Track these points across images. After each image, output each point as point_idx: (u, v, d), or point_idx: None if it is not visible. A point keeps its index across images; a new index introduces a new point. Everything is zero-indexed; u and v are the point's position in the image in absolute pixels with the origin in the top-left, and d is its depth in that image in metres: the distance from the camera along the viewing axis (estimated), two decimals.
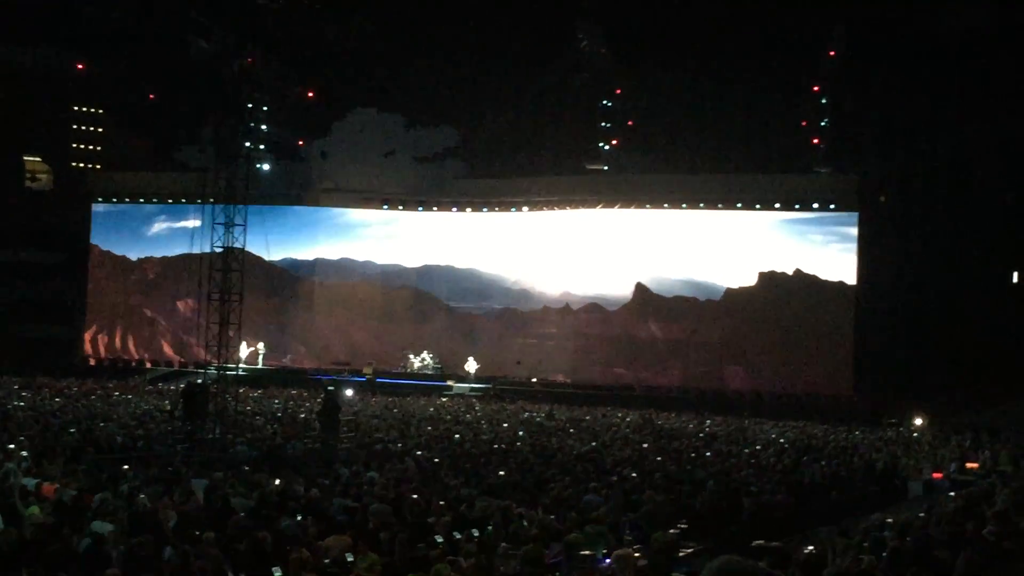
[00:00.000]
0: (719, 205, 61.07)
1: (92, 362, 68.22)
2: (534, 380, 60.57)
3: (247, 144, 40.06)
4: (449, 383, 59.44)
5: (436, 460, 27.40)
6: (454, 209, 66.75)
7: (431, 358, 62.82)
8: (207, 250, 36.63)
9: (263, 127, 63.47)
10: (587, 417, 45.95)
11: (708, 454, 31.75)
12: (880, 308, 56.38)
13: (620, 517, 18.85)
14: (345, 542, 15.31)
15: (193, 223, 38.21)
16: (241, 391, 40.33)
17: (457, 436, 34.74)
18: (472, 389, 58.45)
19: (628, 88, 63.87)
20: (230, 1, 44.11)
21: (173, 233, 66.17)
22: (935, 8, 54.48)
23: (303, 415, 40.71)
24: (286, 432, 34.80)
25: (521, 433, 37.36)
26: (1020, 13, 51.79)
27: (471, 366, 60.82)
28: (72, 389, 50.02)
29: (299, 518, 17.37)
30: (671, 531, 16.98)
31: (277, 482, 22.35)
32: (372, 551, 14.99)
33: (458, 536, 16.25)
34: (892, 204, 58.76)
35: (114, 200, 71.48)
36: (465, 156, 67.21)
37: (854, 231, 58.65)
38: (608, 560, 13.74)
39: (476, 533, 16.23)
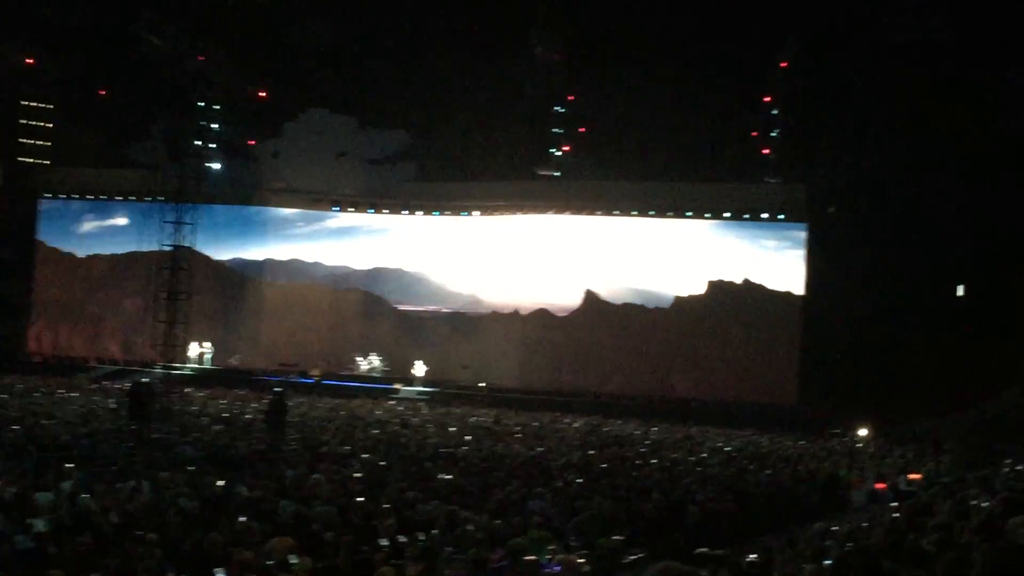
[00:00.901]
0: (669, 213, 61.35)
1: (37, 359, 67.60)
2: (482, 385, 60.53)
3: (198, 142, 39.94)
4: (397, 387, 59.30)
5: (382, 463, 27.34)
6: (405, 212, 66.68)
7: (379, 361, 62.72)
8: (155, 248, 36.47)
9: (214, 126, 63.21)
10: (534, 423, 45.96)
11: (654, 461, 31.83)
12: (826, 318, 56.72)
13: (565, 523, 18.89)
14: (289, 544, 15.26)
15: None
16: (187, 391, 40.13)
17: (404, 439, 34.70)
18: (420, 393, 58.36)
19: (581, 94, 63.96)
20: None
21: (121, 230, 65.72)
22: (886, 20, 54.86)
23: (249, 416, 40.52)
24: (232, 433, 34.65)
25: (468, 438, 37.35)
26: (969, 24, 52.30)
27: (419, 370, 60.72)
28: (15, 386, 49.57)
29: (243, 519, 17.29)
30: (616, 537, 17.04)
31: (222, 483, 22.24)
32: (316, 554, 14.95)
33: (403, 540, 16.23)
34: (840, 215, 59.12)
35: (62, 196, 70.98)
36: (417, 159, 67.10)
37: (802, 241, 59.05)
38: (555, 566, 13.77)
39: (422, 537, 16.21)
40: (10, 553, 14.60)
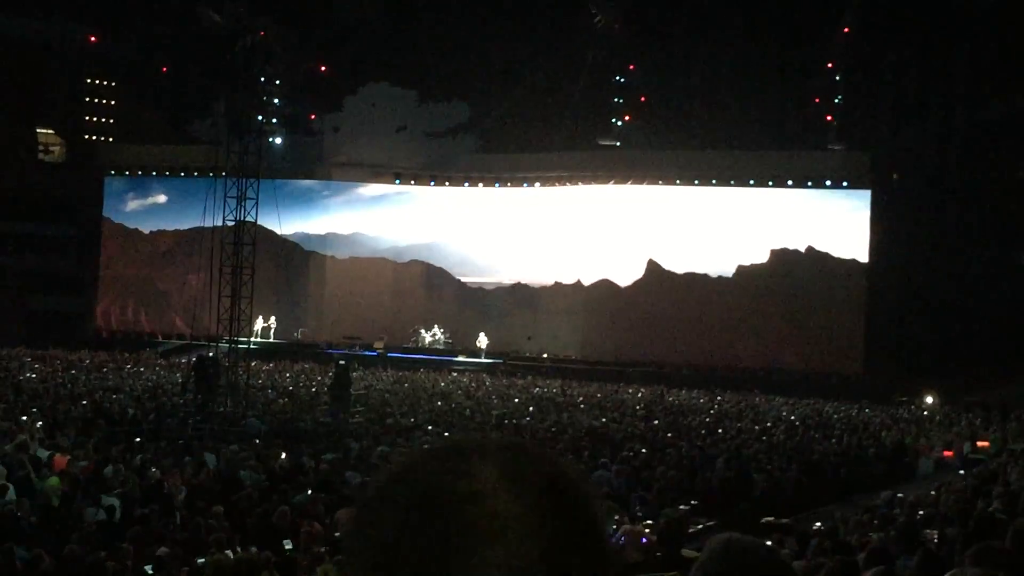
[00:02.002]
0: (731, 182, 60.94)
1: (104, 335, 68.26)
2: (545, 356, 60.55)
3: (259, 118, 40.09)
4: (460, 358, 59.47)
5: (447, 435, 27.44)
6: (466, 184, 66.69)
7: (442, 333, 62.85)
8: (219, 224, 36.67)
9: (275, 101, 63.51)
10: (597, 393, 45.98)
11: (719, 431, 31.78)
12: (892, 286, 56.27)
13: (630, 493, 18.89)
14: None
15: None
16: (252, 365, 40.41)
17: (468, 411, 34.82)
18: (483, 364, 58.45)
19: (641, 64, 63.65)
20: None
21: (185, 206, 66.10)
22: None
23: (314, 389, 40.79)
24: (297, 406, 34.92)
25: (532, 409, 37.43)
26: None
27: (482, 341, 60.76)
28: (84, 362, 50.18)
29: (310, 492, 17.41)
30: (681, 507, 17.02)
31: (287, 456, 22.42)
32: None
33: None
34: (905, 182, 58.57)
35: (127, 173, 71.54)
36: (477, 131, 67.05)
37: (867, 208, 58.51)
38: (620, 536, 13.76)
39: None
40: (82, 526, 14.79)
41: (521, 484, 1.34)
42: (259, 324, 59.65)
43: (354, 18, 63.34)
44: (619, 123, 64.70)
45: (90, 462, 19.28)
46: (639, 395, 46.37)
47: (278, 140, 65.32)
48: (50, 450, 20.71)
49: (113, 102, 73.66)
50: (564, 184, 64.08)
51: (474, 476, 1.34)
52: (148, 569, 12.50)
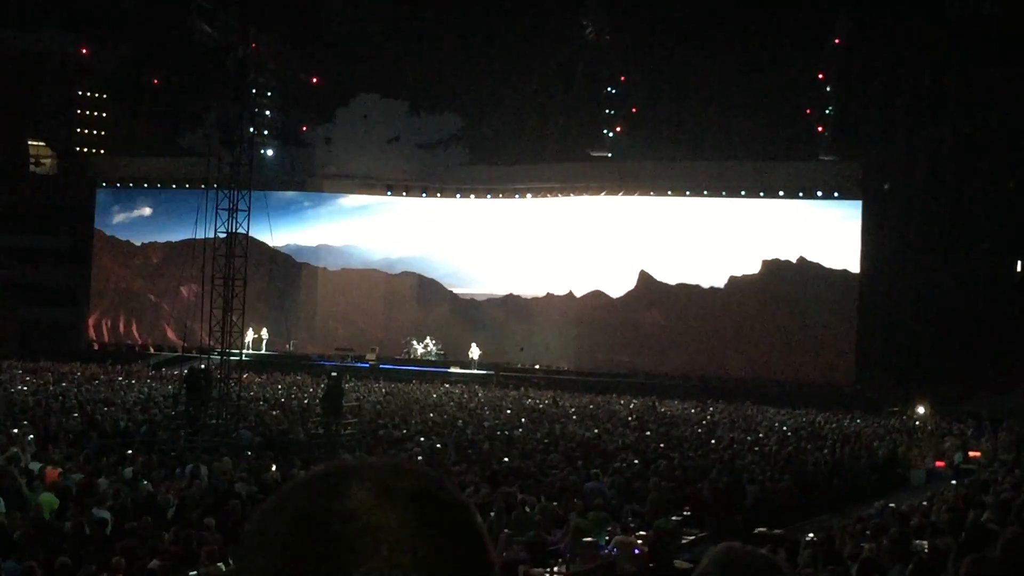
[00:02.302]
0: (723, 192, 61.06)
1: (96, 347, 68.23)
2: (537, 367, 60.57)
3: (251, 130, 40.02)
4: (453, 369, 59.46)
5: (439, 446, 27.45)
6: (457, 196, 66.78)
7: (434, 344, 62.83)
8: (211, 235, 36.64)
9: (267, 113, 63.54)
10: (590, 405, 45.99)
11: (712, 442, 31.79)
12: (883, 296, 56.34)
13: (622, 504, 18.90)
14: None
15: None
16: (244, 377, 40.37)
17: (460, 422, 34.81)
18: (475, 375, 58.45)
19: (632, 75, 63.75)
20: None
21: (176, 218, 66.01)
22: None
23: (306, 401, 40.76)
24: (289, 418, 34.90)
25: (524, 420, 37.43)
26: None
27: (474, 352, 60.78)
28: (75, 374, 50.13)
29: None
30: (673, 518, 17.03)
31: (277, 468, 22.40)
32: None
33: None
34: (896, 192, 58.69)
35: (118, 185, 71.53)
36: (469, 143, 67.10)
37: (858, 219, 58.63)
38: (612, 547, 13.78)
39: None
40: (74, 539, 14.77)
41: (393, 498, 1.36)
42: (250, 336, 59.62)
43: (346, 30, 63.35)
44: (610, 134, 64.81)
45: (82, 475, 19.26)
46: (631, 406, 46.38)
47: (270, 152, 65.37)
48: (41, 463, 20.68)
49: (104, 114, 73.70)
50: (556, 195, 64.16)
51: (348, 495, 1.36)
52: None
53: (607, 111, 64.81)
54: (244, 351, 47.09)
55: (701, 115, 60.53)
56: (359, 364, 58.71)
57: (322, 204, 69.00)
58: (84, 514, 16.04)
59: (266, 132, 63.73)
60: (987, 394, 47.69)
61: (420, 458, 25.01)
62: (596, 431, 34.01)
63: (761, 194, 60.29)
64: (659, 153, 62.00)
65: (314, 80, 68.28)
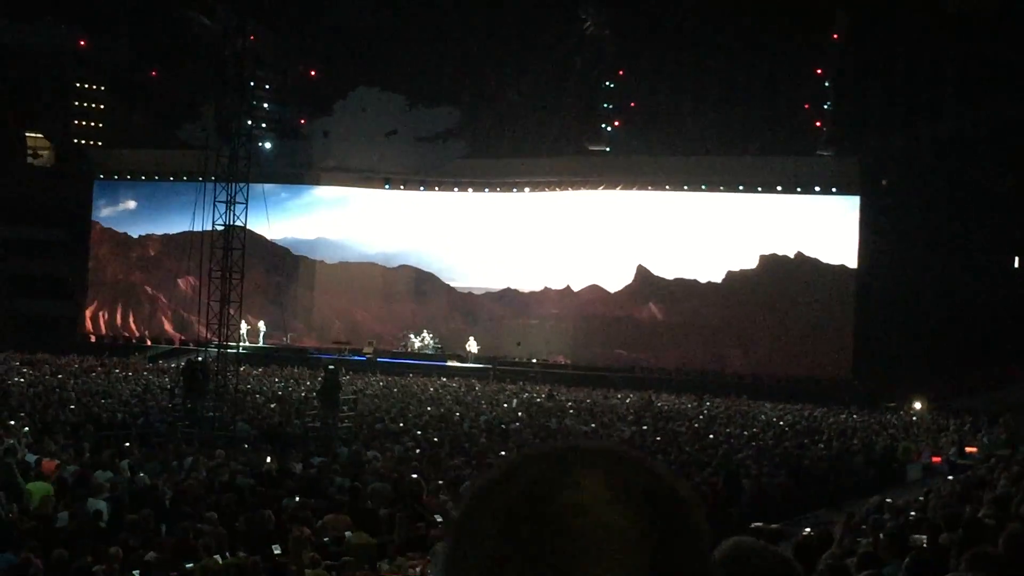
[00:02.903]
0: (721, 187, 61.02)
1: (93, 339, 68.18)
2: (534, 361, 60.56)
3: (249, 122, 39.99)
4: (451, 362, 59.48)
5: (436, 440, 27.45)
6: (455, 189, 66.76)
7: (431, 338, 62.79)
8: (208, 228, 36.63)
9: (265, 105, 63.44)
10: (587, 399, 46.00)
11: (709, 436, 31.80)
12: (881, 291, 56.32)
13: None
14: (344, 521, 15.35)
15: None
16: (241, 369, 40.37)
17: (457, 416, 34.81)
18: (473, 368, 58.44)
19: (631, 69, 63.70)
20: None
21: (174, 210, 65.96)
22: None
23: (303, 394, 40.75)
24: (286, 411, 34.90)
25: (521, 414, 37.43)
26: None
27: (471, 346, 60.78)
28: (73, 366, 50.13)
29: (297, 500, 17.40)
30: None
31: (274, 461, 22.40)
32: (371, 529, 15.02)
33: None
34: (894, 187, 58.69)
35: (115, 177, 71.44)
36: (467, 136, 67.00)
37: (856, 214, 58.62)
38: None
39: None
40: (69, 530, 14.77)
41: (625, 494, 1.32)
42: (243, 327, 59.63)
43: (344, 23, 63.31)
44: (608, 128, 64.75)
45: (78, 466, 19.25)
46: (628, 400, 46.40)
47: (268, 145, 65.28)
48: (38, 455, 20.68)
49: (102, 106, 73.64)
50: (554, 189, 64.13)
51: (579, 486, 1.32)
52: (136, 574, 12.47)
53: (605, 105, 64.75)
54: (241, 344, 47.17)
55: (699, 110, 60.51)
56: (356, 357, 58.71)
57: (320, 197, 68.93)
58: (79, 505, 16.05)
59: (264, 125, 63.65)
60: (984, 389, 47.71)
61: (418, 451, 25.04)
62: (593, 425, 34.02)
63: (759, 189, 60.28)
64: (657, 147, 61.94)
65: (312, 73, 68.24)
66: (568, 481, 1.33)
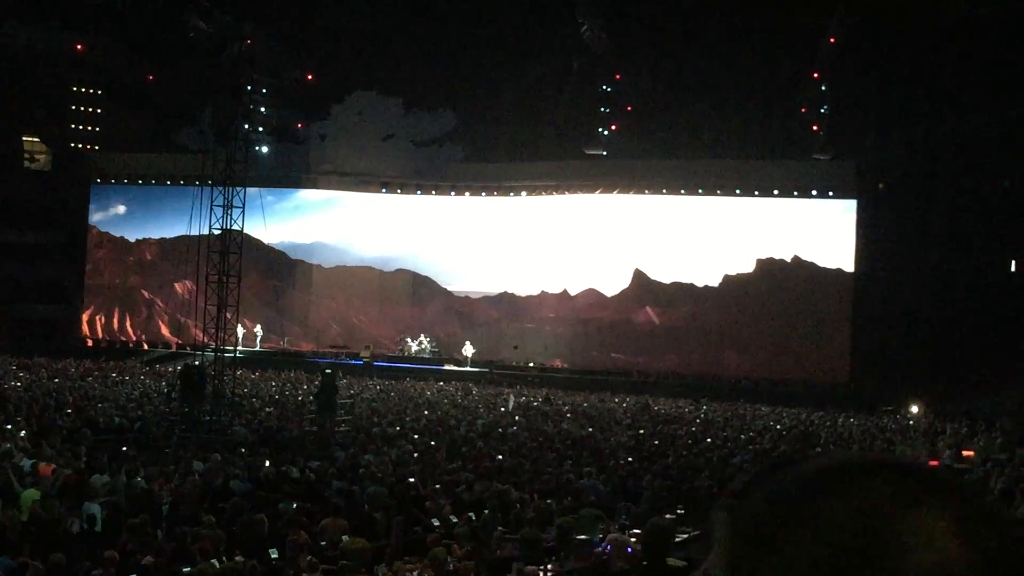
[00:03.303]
0: (718, 191, 61.12)
1: (90, 343, 68.19)
2: (531, 365, 60.58)
3: (246, 126, 40.06)
4: (447, 366, 59.52)
5: (433, 444, 27.43)
6: (452, 193, 66.81)
7: (428, 342, 62.80)
8: (205, 232, 36.62)
9: (262, 109, 63.43)
10: (584, 403, 45.99)
11: (706, 440, 31.79)
12: (877, 295, 56.39)
13: (616, 502, 18.89)
14: (342, 525, 15.34)
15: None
16: (239, 373, 40.36)
17: (454, 420, 34.79)
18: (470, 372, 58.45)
19: (627, 74, 63.72)
20: None
21: (171, 215, 65.96)
22: None
23: (300, 398, 40.73)
24: (283, 415, 34.88)
25: (518, 418, 37.41)
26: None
27: (468, 350, 60.79)
28: (70, 370, 50.10)
29: (294, 505, 17.38)
30: (667, 516, 17.02)
31: (271, 465, 22.38)
32: (368, 534, 15.02)
33: (455, 520, 16.28)
34: (891, 191, 58.73)
35: (112, 181, 71.46)
36: (464, 140, 67.06)
37: (853, 218, 58.70)
38: (606, 545, 13.78)
39: (473, 517, 16.25)
40: (66, 535, 14.76)
41: (971, 530, 1.19)
42: (240, 331, 59.61)
43: (341, 27, 63.31)
44: (605, 132, 64.72)
45: (74, 471, 19.23)
46: (625, 404, 46.40)
47: (265, 149, 65.28)
48: (34, 459, 20.65)
49: (99, 110, 73.61)
50: (551, 193, 64.21)
51: (925, 511, 1.20)
52: None
53: (602, 109, 64.75)
54: (238, 348, 47.20)
55: (696, 114, 60.55)
56: (353, 361, 58.72)
57: (316, 201, 68.95)
58: (75, 510, 16.04)
59: (261, 129, 63.67)
60: (981, 393, 47.70)
61: (415, 455, 25.03)
62: (591, 429, 34.02)
63: (756, 193, 60.37)
64: (654, 151, 61.98)
65: (309, 77, 68.22)
66: (912, 502, 1.21)
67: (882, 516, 1.19)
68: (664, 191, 62.14)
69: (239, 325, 42.20)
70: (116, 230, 71.52)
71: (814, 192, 59.60)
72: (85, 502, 16.43)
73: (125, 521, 15.10)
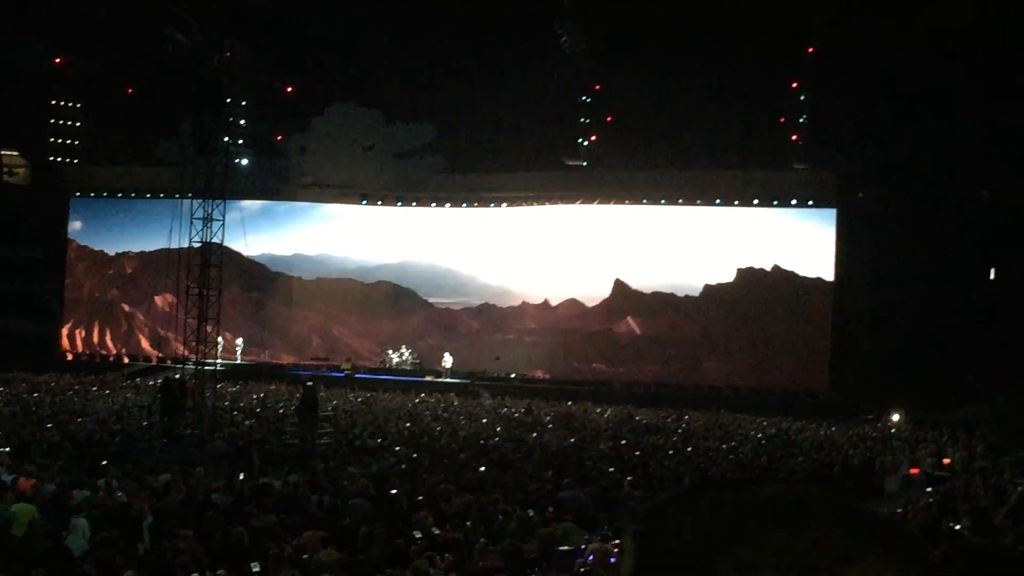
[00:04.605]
0: (697, 201, 61.24)
1: (70, 357, 67.97)
2: (512, 376, 60.58)
3: (225, 139, 40.02)
4: (429, 378, 59.46)
5: (415, 455, 27.43)
6: (433, 205, 66.77)
7: (409, 354, 62.75)
8: (185, 245, 36.59)
9: (241, 122, 63.40)
10: (566, 414, 45.98)
11: (687, 449, 31.85)
12: (858, 304, 56.56)
13: (598, 512, 18.91)
14: (322, 537, 15.32)
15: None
16: (219, 386, 40.29)
17: (436, 432, 34.79)
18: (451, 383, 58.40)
19: (607, 84, 63.80)
20: None
21: (150, 228, 65.83)
22: (914, 3, 54.59)
23: (281, 410, 40.67)
24: (264, 428, 34.82)
25: (499, 429, 37.42)
26: (997, 7, 51.97)
27: (447, 361, 60.68)
28: (50, 384, 49.94)
29: (273, 517, 17.35)
30: None
31: (252, 478, 22.34)
32: (350, 546, 14.99)
33: (437, 532, 16.27)
34: (870, 200, 58.85)
35: (92, 195, 71.29)
36: (444, 152, 66.99)
37: (832, 227, 58.87)
38: (588, 555, 13.78)
39: (455, 529, 16.25)
40: (46, 551, 14.70)
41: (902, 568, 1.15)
42: (220, 345, 59.49)
43: (321, 39, 63.26)
44: (585, 143, 64.80)
45: (56, 485, 19.18)
46: (606, 415, 46.43)
47: (244, 161, 65.16)
48: (14, 474, 20.59)
49: (78, 124, 73.40)
50: (531, 204, 64.24)
51: (854, 559, 1.14)
52: None
53: (582, 120, 64.85)
54: (219, 361, 47.13)
55: (676, 124, 60.59)
56: (334, 373, 58.65)
57: (297, 213, 68.86)
58: (68, 524, 16.00)
59: (240, 141, 63.59)
60: (962, 401, 47.85)
61: (403, 466, 25.02)
62: (572, 440, 34.04)
63: (736, 202, 60.51)
64: (634, 162, 62.01)
65: (288, 89, 68.15)
66: (843, 551, 1.14)
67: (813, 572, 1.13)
68: (644, 201, 62.24)
69: (226, 338, 42.17)
70: (96, 243, 71.32)
71: (794, 201, 59.78)
72: (72, 517, 16.39)
73: (105, 536, 15.06)
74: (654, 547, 1.20)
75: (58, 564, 13.36)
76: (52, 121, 73.23)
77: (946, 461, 32.17)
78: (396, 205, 67.26)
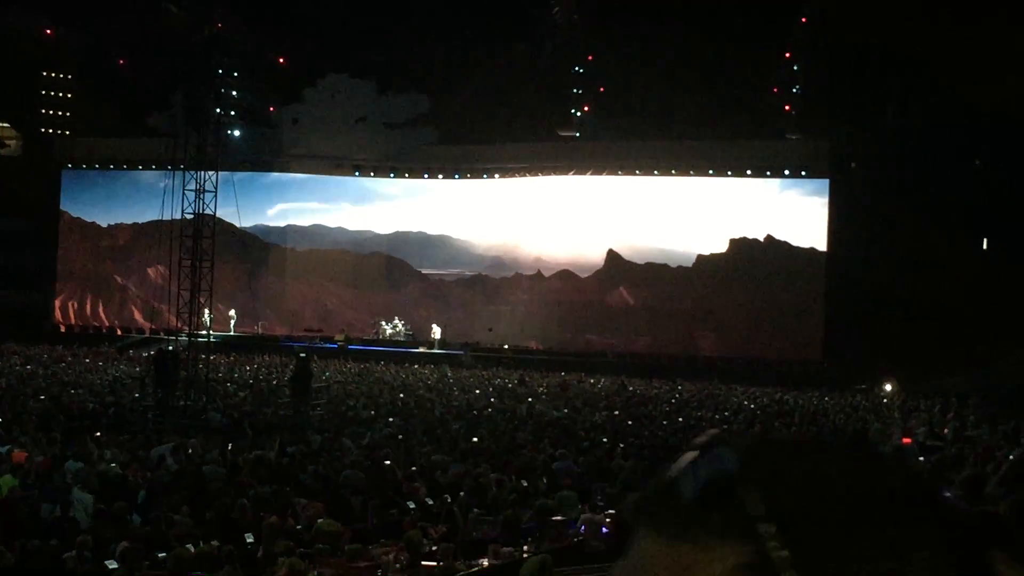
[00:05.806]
0: (690, 171, 61.15)
1: (63, 329, 67.89)
2: (506, 347, 60.57)
3: (218, 110, 39.94)
4: (422, 348, 59.44)
5: (409, 427, 27.44)
6: (425, 176, 66.65)
7: (403, 325, 62.71)
8: (178, 216, 36.53)
9: (234, 93, 63.21)
10: (559, 384, 46.02)
11: (680, 420, 31.87)
12: (850, 274, 56.51)
13: (591, 483, 18.94)
14: (317, 508, 15.34)
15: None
16: (212, 358, 40.29)
17: (429, 403, 34.80)
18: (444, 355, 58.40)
19: (599, 54, 63.66)
20: None
21: (143, 199, 65.64)
22: None
23: (275, 382, 40.68)
24: (258, 399, 34.83)
25: (493, 400, 37.44)
26: None
27: (436, 332, 60.60)
28: (43, 356, 49.94)
29: (270, 487, 17.37)
30: None
31: (246, 449, 22.35)
32: (344, 517, 15.01)
33: (430, 502, 16.30)
34: (863, 170, 58.80)
35: (84, 166, 71.10)
36: (437, 123, 66.80)
37: (825, 197, 58.84)
38: (581, 526, 13.83)
39: (448, 499, 16.27)
40: (40, 522, 14.74)
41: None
42: (207, 316, 59.43)
43: (313, 9, 63.04)
44: (578, 114, 64.72)
45: (47, 457, 19.20)
46: (600, 385, 46.46)
47: (237, 132, 65.00)
48: (8, 446, 20.61)
49: (70, 95, 73.14)
50: (524, 175, 64.14)
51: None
52: (109, 564, 12.43)
53: (575, 91, 64.73)
54: (212, 333, 47.11)
55: (668, 94, 60.44)
56: (327, 345, 58.64)
57: (290, 184, 68.72)
58: (53, 495, 16.03)
59: (233, 113, 63.45)
60: (954, 371, 47.90)
61: (400, 437, 25.05)
62: (565, 410, 34.07)
63: (728, 173, 60.46)
64: (627, 132, 61.95)
65: (281, 60, 67.95)
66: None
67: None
68: (637, 172, 62.15)
69: (208, 310, 42.05)
70: (88, 215, 71.16)
71: (787, 172, 59.73)
72: (75, 489, 16.40)
73: (99, 507, 15.09)
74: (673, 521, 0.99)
75: (35, 534, 13.39)
76: (44, 92, 72.97)
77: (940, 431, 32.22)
78: (389, 176, 67.15)
